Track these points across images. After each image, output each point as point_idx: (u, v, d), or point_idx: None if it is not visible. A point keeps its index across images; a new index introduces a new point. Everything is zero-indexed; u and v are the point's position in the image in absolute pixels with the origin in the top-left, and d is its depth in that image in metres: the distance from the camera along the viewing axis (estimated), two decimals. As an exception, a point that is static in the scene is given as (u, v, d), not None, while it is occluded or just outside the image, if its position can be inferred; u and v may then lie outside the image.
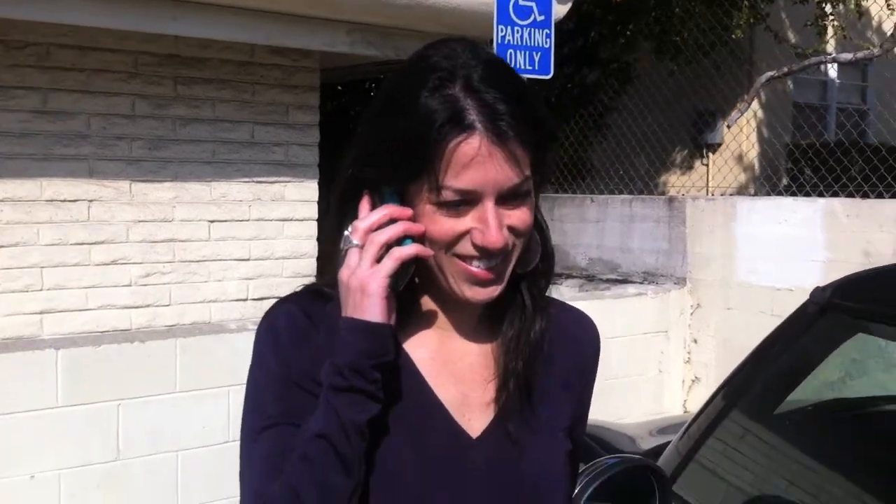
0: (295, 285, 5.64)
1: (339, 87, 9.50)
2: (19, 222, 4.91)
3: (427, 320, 1.25)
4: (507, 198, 1.15)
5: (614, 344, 5.64)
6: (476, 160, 1.11)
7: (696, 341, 5.99)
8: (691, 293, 5.92)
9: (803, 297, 5.27)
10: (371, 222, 1.16)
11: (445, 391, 1.23)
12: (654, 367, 6.29)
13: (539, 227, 1.26)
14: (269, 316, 1.31)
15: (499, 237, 1.14)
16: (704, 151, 10.90)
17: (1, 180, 4.86)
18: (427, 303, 1.26)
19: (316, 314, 1.25)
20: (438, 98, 1.13)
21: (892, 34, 4.94)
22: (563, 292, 6.29)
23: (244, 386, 3.67)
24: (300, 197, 6.05)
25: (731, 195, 7.02)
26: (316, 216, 6.12)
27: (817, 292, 1.99)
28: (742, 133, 10.11)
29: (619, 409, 5.47)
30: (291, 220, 6.02)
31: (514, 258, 1.21)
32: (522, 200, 1.17)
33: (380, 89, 1.29)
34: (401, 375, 1.20)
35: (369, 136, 1.23)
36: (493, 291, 1.19)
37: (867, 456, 2.15)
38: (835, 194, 6.08)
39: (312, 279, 5.34)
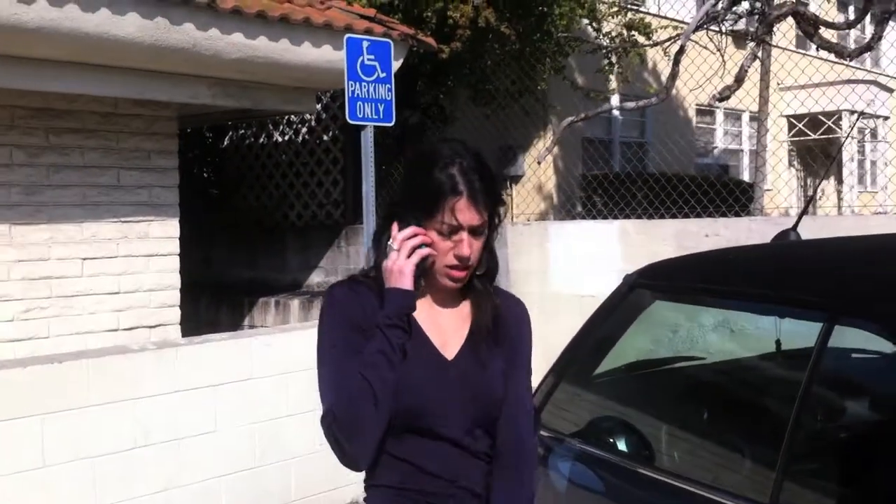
0: (162, 316, 6.37)
1: (209, 134, 10.00)
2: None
3: (426, 300, 2.13)
4: (473, 231, 2.03)
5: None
6: (461, 209, 2.00)
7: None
8: (513, 305, 6.84)
9: (606, 302, 6.26)
10: (406, 234, 2.03)
11: (433, 336, 2.10)
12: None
13: (491, 248, 2.17)
14: (330, 290, 2.15)
15: (468, 252, 2.03)
16: (509, 183, 11.98)
17: None
18: (426, 293, 2.12)
19: (355, 289, 2.12)
20: (444, 175, 2.02)
21: (666, 84, 6.11)
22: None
23: (149, 398, 4.28)
24: (164, 234, 6.62)
25: (543, 220, 8.08)
26: (178, 251, 6.71)
27: (628, 276, 2.94)
28: (541, 166, 11.18)
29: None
30: (156, 255, 6.59)
31: (473, 267, 2.09)
32: (481, 234, 2.06)
33: (408, 163, 2.20)
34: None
35: (403, 191, 2.12)
36: (461, 283, 2.10)
37: (656, 401, 3.13)
38: (626, 217, 7.20)
39: (177, 309, 6.03)
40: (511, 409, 2.14)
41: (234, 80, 6.30)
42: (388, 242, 2.05)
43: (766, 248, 3.05)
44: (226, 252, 9.54)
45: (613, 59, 9.46)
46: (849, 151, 17.44)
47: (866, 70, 18.96)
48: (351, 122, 5.77)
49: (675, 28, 8.78)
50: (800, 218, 3.18)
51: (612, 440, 2.84)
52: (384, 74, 5.91)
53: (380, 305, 2.03)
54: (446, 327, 2.13)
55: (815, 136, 15.70)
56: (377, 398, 1.95)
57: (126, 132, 6.40)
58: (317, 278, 8.77)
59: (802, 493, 2.22)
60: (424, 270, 2.06)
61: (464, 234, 2.02)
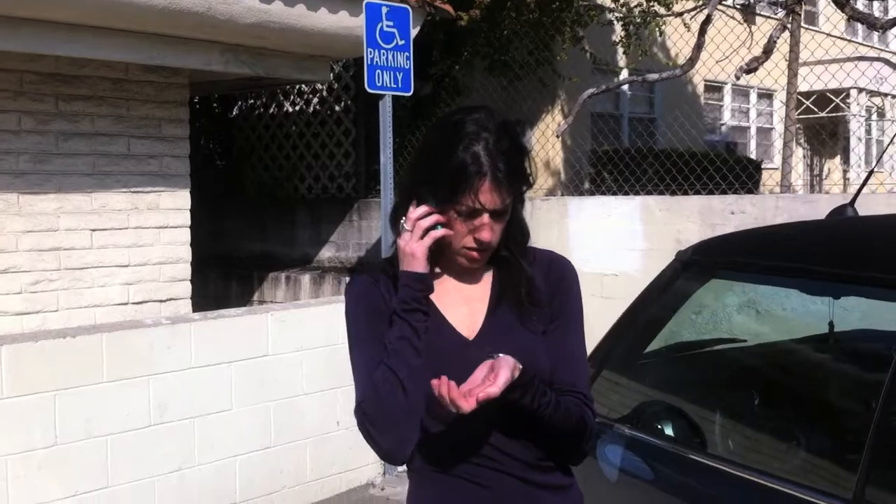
0: (172, 290, 6.22)
1: (216, 104, 9.81)
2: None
3: (448, 276, 2.00)
4: (495, 214, 1.88)
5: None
6: (484, 192, 1.84)
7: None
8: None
9: (627, 281, 6.18)
10: (419, 213, 1.87)
11: (456, 310, 1.97)
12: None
13: (520, 218, 2.01)
14: (350, 282, 2.04)
15: (489, 236, 1.88)
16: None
17: None
18: (443, 267, 1.99)
19: (375, 276, 1.99)
20: (469, 154, 1.85)
21: (690, 57, 5.94)
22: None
23: (162, 374, 4.19)
24: (174, 205, 6.46)
25: (562, 195, 7.93)
26: (189, 223, 6.54)
27: (681, 253, 2.79)
28: (548, 141, 11.01)
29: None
30: (166, 227, 6.42)
31: (489, 251, 1.94)
32: (503, 217, 1.91)
33: (426, 137, 2.01)
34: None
35: (422, 167, 1.94)
36: (480, 264, 1.96)
37: (701, 380, 2.99)
38: (636, 193, 7.05)
39: (188, 283, 5.89)
40: (563, 375, 1.96)
41: (247, 47, 6.12)
42: (402, 221, 1.91)
43: (831, 224, 2.89)
44: (234, 225, 9.38)
45: (632, 31, 9.23)
46: (855, 131, 17.29)
47: (869, 46, 18.77)
48: (370, 90, 5.60)
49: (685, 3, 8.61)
50: (857, 194, 3.02)
51: (662, 426, 2.70)
52: (403, 42, 5.74)
53: (396, 291, 1.90)
54: (469, 299, 1.99)
55: (825, 114, 15.50)
56: (405, 387, 1.82)
57: (137, 99, 6.22)
58: (328, 253, 8.62)
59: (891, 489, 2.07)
60: (441, 250, 1.93)
61: (485, 217, 1.87)
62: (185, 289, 6.55)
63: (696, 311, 2.86)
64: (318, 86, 8.65)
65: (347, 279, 8.06)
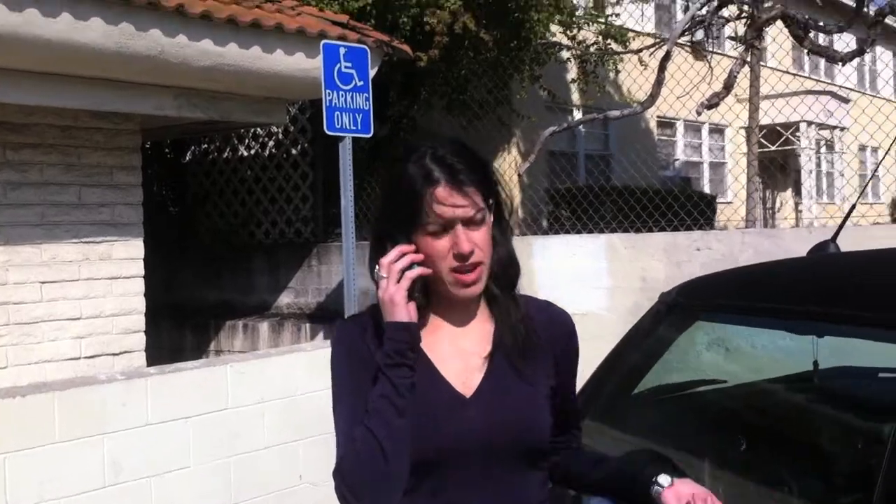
0: (126, 342, 5.97)
1: (167, 150, 9.63)
2: None
3: (439, 320, 1.83)
4: (469, 223, 1.72)
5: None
6: (444, 198, 1.69)
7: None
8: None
9: (595, 319, 6.06)
10: (390, 258, 1.72)
11: (453, 362, 1.80)
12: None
13: (508, 249, 1.86)
14: (334, 330, 1.88)
15: (467, 245, 1.71)
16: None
17: None
18: (437, 311, 1.83)
19: (360, 324, 1.83)
20: (417, 166, 1.72)
21: (651, 93, 5.91)
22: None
23: (117, 433, 3.97)
24: (127, 255, 6.26)
25: (523, 234, 7.85)
26: (142, 273, 6.35)
27: (665, 295, 2.68)
28: (507, 181, 10.95)
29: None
30: (119, 278, 6.22)
31: (485, 267, 1.77)
32: (480, 225, 1.73)
33: (383, 176, 1.89)
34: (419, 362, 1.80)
35: (383, 209, 1.82)
36: (476, 290, 1.78)
37: (686, 425, 2.89)
38: (589, 232, 6.98)
39: (142, 334, 5.63)
40: (571, 421, 1.92)
41: (201, 90, 5.98)
42: (376, 269, 1.75)
43: (813, 262, 2.81)
44: (189, 273, 9.15)
45: (589, 68, 9.25)
46: (805, 164, 17.53)
47: (816, 80, 19.11)
48: (329, 132, 5.47)
49: (643, 40, 8.64)
50: (839, 229, 2.94)
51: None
52: (361, 83, 5.64)
53: (382, 342, 1.74)
54: (466, 350, 1.82)
55: (775, 148, 15.70)
56: (385, 450, 1.66)
57: (87, 147, 6.04)
58: (286, 299, 8.43)
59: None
60: (431, 292, 1.78)
61: (458, 228, 1.71)
62: (140, 341, 6.34)
63: (681, 355, 2.75)
64: (274, 129, 8.51)
65: (308, 326, 7.88)
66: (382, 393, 1.69)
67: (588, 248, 6.34)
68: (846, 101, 17.60)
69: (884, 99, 19.67)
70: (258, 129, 8.67)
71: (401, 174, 1.74)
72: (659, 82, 5.83)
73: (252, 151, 8.94)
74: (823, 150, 19.26)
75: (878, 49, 21.45)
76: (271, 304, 8.50)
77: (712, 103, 5.68)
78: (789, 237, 5.57)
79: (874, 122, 7.31)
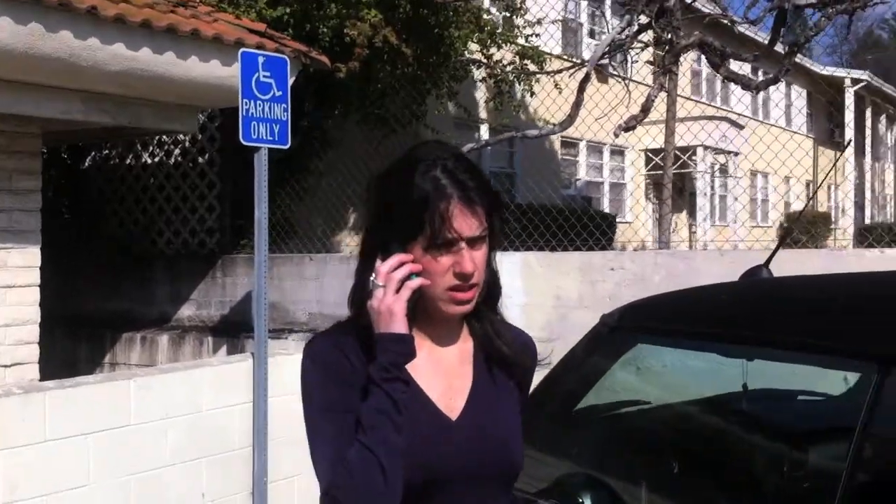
0: (18, 354, 5.73)
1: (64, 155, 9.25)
2: None
3: (421, 337, 1.74)
4: (473, 241, 1.68)
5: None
6: (455, 216, 1.64)
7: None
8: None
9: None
10: (390, 265, 1.66)
11: (436, 383, 1.74)
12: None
13: (492, 269, 1.79)
14: (309, 345, 1.76)
15: (471, 266, 1.67)
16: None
17: None
18: (420, 328, 1.75)
19: (338, 339, 1.73)
20: (429, 179, 1.66)
21: (569, 114, 5.95)
22: (288, 345, 6.69)
23: (13, 449, 3.79)
24: (23, 263, 5.97)
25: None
26: (38, 282, 6.06)
27: (606, 317, 2.67)
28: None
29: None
30: (14, 286, 5.93)
31: (479, 286, 1.72)
32: (482, 243, 1.70)
33: (377, 188, 1.77)
34: None
35: (378, 212, 1.73)
36: (468, 308, 1.73)
37: (623, 448, 2.89)
38: (504, 250, 6.91)
39: (36, 346, 5.42)
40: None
41: (111, 95, 5.75)
42: (372, 278, 1.67)
43: (744, 287, 2.83)
44: (85, 282, 8.79)
45: (505, 88, 9.29)
46: (702, 188, 18.04)
47: (714, 106, 19.72)
48: (245, 143, 5.32)
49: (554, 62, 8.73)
50: (773, 254, 2.98)
51: (582, 499, 2.55)
52: (280, 93, 5.50)
53: (367, 355, 1.66)
54: (449, 371, 1.77)
55: (673, 171, 16.08)
56: (384, 468, 1.58)
57: (-16, 150, 5.74)
58: (188, 311, 8.18)
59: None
60: (416, 308, 1.70)
61: (462, 247, 1.66)
62: (32, 352, 6.05)
63: (620, 377, 2.74)
64: (181, 137, 8.27)
65: (211, 339, 7.66)
66: (380, 408, 1.61)
67: (504, 266, 6.26)
68: (741, 127, 18.18)
69: (779, 127, 20.47)
70: (164, 137, 8.41)
71: (406, 183, 1.66)
72: (577, 103, 5.88)
73: (156, 159, 8.67)
74: (717, 173, 19.83)
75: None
76: (172, 316, 8.24)
77: (630, 126, 5.75)
78: (700, 259, 5.67)
79: (771, 149, 7.52)
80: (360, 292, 1.72)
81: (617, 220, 13.78)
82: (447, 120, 10.20)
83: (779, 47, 5.87)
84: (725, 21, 6.84)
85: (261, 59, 5.37)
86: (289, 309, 7.28)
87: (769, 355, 2.52)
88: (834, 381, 2.84)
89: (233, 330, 7.60)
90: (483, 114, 11.61)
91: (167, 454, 4.99)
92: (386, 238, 1.69)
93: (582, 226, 6.99)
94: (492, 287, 1.80)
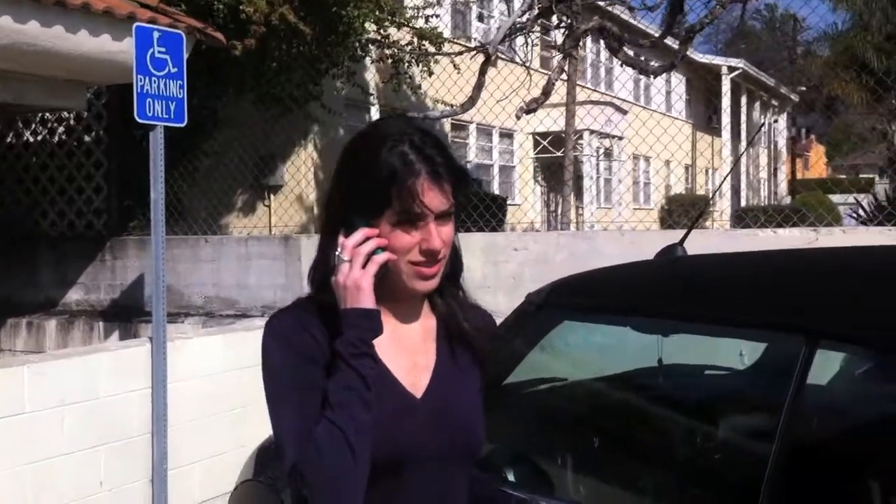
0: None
1: None
2: None
3: (385, 316, 1.70)
4: (440, 217, 1.66)
5: (247, 373, 6.01)
6: (423, 191, 1.63)
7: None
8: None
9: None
10: (356, 240, 1.63)
11: (400, 361, 1.72)
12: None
13: (454, 246, 1.79)
14: (269, 323, 1.71)
15: (439, 243, 1.66)
16: (267, 193, 11.48)
17: None
18: (383, 306, 1.69)
19: (299, 315, 1.69)
20: (396, 154, 1.64)
21: (471, 96, 5.97)
22: (186, 329, 6.53)
23: None
24: None
25: (304, 234, 7.71)
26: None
27: (532, 295, 2.69)
28: (302, 176, 10.77)
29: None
30: None
31: (444, 262, 1.71)
32: (449, 220, 1.69)
33: (341, 162, 1.73)
34: None
35: (342, 187, 1.69)
36: (433, 284, 1.71)
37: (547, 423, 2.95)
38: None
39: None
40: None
41: (-6, 69, 5.49)
42: (337, 253, 1.64)
43: (661, 265, 2.90)
44: (-37, 266, 8.39)
45: (403, 68, 9.25)
46: (588, 171, 18.41)
47: (599, 91, 20.13)
48: (140, 121, 5.13)
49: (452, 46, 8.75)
50: (687, 234, 3.06)
51: (506, 473, 2.59)
52: (175, 70, 5.32)
53: (330, 332, 1.63)
54: (413, 348, 1.75)
55: (559, 154, 16.37)
56: (352, 447, 1.56)
57: None
58: (75, 295, 7.89)
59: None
60: (379, 284, 1.67)
61: (430, 222, 1.65)
62: (-88, 340, 5.76)
63: (546, 354, 2.78)
64: (66, 114, 7.95)
65: (101, 324, 7.41)
66: (348, 385, 1.58)
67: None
68: (625, 112, 18.60)
69: (661, 113, 21.01)
70: (47, 114, 8.07)
71: (372, 158, 1.64)
72: (479, 85, 5.91)
73: (39, 137, 8.31)
74: (603, 157, 20.27)
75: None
76: (59, 301, 7.94)
77: (531, 108, 5.81)
78: (602, 239, 5.79)
79: (653, 134, 7.72)
80: (323, 268, 1.69)
81: (507, 202, 13.94)
82: (338, 100, 10.11)
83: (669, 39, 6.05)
84: (624, 6, 6.97)
85: (156, 35, 5.19)
86: (183, 293, 7.10)
87: (695, 329, 2.59)
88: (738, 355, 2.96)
89: (124, 314, 7.37)
90: (374, 95, 11.57)
91: (64, 442, 4.82)
92: (349, 213, 1.66)
93: (472, 207, 7.05)
94: (454, 263, 1.79)
